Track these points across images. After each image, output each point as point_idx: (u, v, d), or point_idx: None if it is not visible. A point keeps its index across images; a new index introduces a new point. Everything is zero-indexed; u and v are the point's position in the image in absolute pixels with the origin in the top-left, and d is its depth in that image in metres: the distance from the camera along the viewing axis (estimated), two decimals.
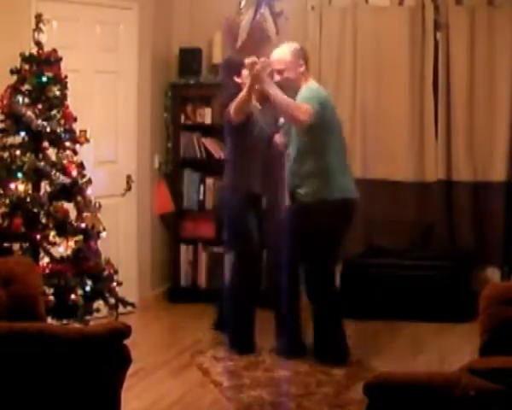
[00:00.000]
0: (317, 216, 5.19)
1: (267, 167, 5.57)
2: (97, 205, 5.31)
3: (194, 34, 7.01)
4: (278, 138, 5.56)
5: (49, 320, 4.73)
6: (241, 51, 6.33)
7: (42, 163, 5.09)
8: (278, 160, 6.16)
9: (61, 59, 5.25)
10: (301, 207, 5.29)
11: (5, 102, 5.12)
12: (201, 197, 6.89)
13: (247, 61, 5.22)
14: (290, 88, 5.33)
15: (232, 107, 5.33)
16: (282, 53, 5.36)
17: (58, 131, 5.15)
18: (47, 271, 5.02)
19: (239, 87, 5.42)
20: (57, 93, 5.17)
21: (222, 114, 5.65)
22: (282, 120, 5.55)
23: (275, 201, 6.23)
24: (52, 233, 5.06)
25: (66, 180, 5.13)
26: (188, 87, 6.84)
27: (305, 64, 5.35)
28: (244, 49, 6.39)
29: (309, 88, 5.31)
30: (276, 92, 5.17)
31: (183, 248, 6.97)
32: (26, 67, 5.17)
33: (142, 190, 6.64)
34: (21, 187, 5.02)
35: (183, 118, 6.91)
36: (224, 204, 5.57)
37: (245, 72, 5.38)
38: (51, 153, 5.19)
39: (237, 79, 5.54)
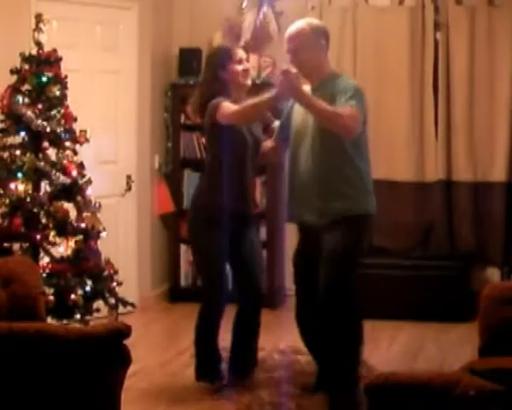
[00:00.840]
0: (364, 231, 4.51)
1: (250, 181, 4.82)
2: (97, 205, 5.31)
3: (194, 34, 7.01)
4: (267, 145, 4.75)
5: (49, 320, 4.74)
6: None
7: (42, 163, 5.09)
8: (271, 169, 6.01)
9: (60, 59, 5.25)
10: (343, 223, 4.36)
11: (5, 102, 5.12)
12: None
13: (281, 70, 4.25)
14: (309, 73, 4.39)
15: (236, 108, 4.44)
16: (299, 28, 4.31)
17: (58, 131, 5.16)
18: (47, 271, 5.03)
19: (224, 83, 4.61)
20: (57, 93, 5.17)
21: (200, 114, 4.71)
22: (275, 124, 4.77)
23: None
24: (52, 233, 5.06)
25: (66, 180, 5.14)
26: (188, 87, 6.81)
27: (327, 47, 4.41)
28: (247, 49, 6.39)
29: (345, 78, 4.41)
30: (316, 101, 4.14)
31: (183, 248, 6.96)
32: (26, 67, 5.18)
33: (142, 190, 6.64)
34: (21, 187, 5.02)
35: (183, 118, 6.91)
36: (192, 212, 4.86)
37: (233, 66, 4.62)
38: (51, 153, 5.20)
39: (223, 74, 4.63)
